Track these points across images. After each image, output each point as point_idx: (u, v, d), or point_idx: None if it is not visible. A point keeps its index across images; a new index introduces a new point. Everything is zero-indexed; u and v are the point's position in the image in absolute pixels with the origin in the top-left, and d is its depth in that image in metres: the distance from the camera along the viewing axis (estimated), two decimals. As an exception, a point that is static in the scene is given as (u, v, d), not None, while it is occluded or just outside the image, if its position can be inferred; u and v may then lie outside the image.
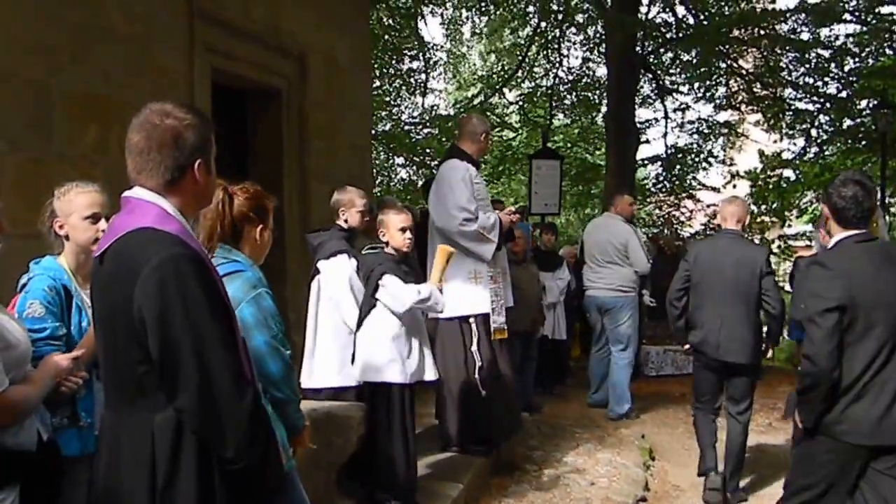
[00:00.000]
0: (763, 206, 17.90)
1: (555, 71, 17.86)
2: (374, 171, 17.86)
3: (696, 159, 18.47)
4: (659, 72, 16.81)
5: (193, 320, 1.95)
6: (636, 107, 15.82)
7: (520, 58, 18.10)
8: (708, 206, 18.00)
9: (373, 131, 14.90)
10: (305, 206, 6.57)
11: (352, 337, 4.55)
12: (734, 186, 18.58)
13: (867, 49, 14.78)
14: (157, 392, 2.01)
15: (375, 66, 15.83)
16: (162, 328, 1.95)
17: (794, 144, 17.70)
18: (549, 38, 17.36)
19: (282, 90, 6.51)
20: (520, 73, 18.22)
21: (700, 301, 5.46)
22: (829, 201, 3.53)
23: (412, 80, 18.23)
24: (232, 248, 2.88)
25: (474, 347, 5.37)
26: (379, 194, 17.03)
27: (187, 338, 1.95)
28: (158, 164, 2.11)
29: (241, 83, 6.26)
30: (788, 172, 17.68)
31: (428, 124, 18.01)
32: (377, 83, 17.07)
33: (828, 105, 15.66)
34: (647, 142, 18.32)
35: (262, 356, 2.73)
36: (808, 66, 15.35)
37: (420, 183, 17.60)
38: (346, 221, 4.84)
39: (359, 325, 4.52)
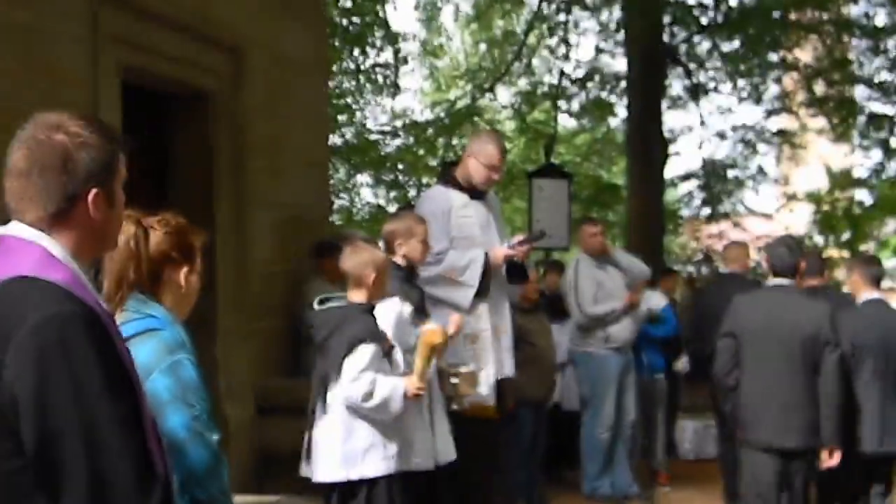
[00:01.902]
0: (831, 238, 18.02)
1: (560, 65, 18.03)
2: (333, 193, 17.88)
3: (742, 177, 18.64)
4: (692, 66, 16.99)
5: (83, 401, 1.89)
6: (664, 110, 15.96)
7: (515, 49, 18.27)
8: (758, 237, 18.12)
9: (330, 143, 14.95)
10: (243, 241, 6.54)
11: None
12: (790, 211, 18.75)
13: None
14: (34, 497, 1.95)
15: (333, 61, 15.89)
16: (40, 411, 1.88)
17: (869, 158, 17.91)
18: (553, 23, 17.54)
19: (212, 93, 6.51)
20: (515, 68, 18.38)
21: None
22: None
23: (379, 78, 18.33)
24: (148, 298, 2.84)
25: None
26: (337, 224, 17.03)
27: (74, 424, 1.87)
28: (41, 191, 2.06)
29: (160, 84, 6.25)
30: (862, 194, 17.81)
31: (399, 133, 18.09)
32: (335, 82, 17.14)
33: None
34: (679, 154, 18.53)
35: (179, 443, 2.67)
36: (884, 58, 15.53)
37: (393, 209, 17.63)
38: (403, 257, 4.99)
39: (320, 401, 4.50)
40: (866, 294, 5.96)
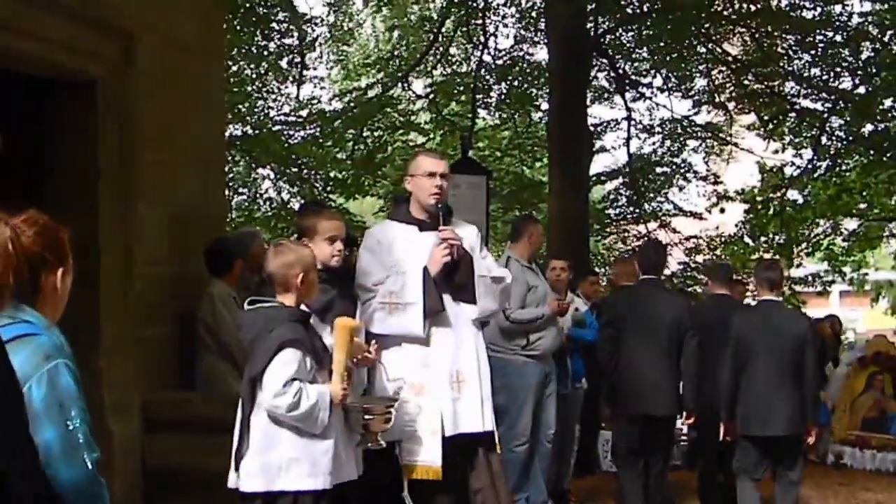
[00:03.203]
0: (762, 239, 18.38)
1: (478, 54, 18.14)
2: (230, 189, 17.75)
3: (671, 174, 18.95)
4: (618, 57, 17.23)
5: None
6: (588, 103, 16.15)
7: (431, 36, 18.34)
8: (688, 237, 18.45)
9: (229, 134, 14.83)
10: (130, 240, 6.47)
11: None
12: (722, 211, 19.13)
13: (890, 32, 15.35)
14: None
15: (232, 46, 15.78)
16: None
17: (800, 156, 18.31)
18: (471, 9, 17.65)
19: (98, 80, 6.43)
20: (431, 57, 18.45)
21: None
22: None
23: (283, 64, 18.25)
24: (21, 302, 2.81)
25: (405, 494, 5.25)
26: (237, 221, 16.92)
27: None
28: None
29: (39, 69, 6.16)
30: (795, 193, 18.18)
31: (305, 123, 18.02)
32: (235, 69, 17.02)
33: (841, 104, 16.21)
34: (605, 150, 18.74)
35: (53, 458, 2.64)
36: (813, 52, 15.90)
37: (298, 205, 17.55)
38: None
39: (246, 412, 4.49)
40: (763, 296, 7.36)
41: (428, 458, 5.22)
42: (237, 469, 4.51)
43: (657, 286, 7.81)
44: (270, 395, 4.33)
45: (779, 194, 18.10)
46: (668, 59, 16.92)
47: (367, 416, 4.67)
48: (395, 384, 5.11)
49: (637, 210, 18.60)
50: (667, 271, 17.71)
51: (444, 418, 5.26)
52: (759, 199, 18.39)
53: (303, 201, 14.94)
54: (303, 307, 4.61)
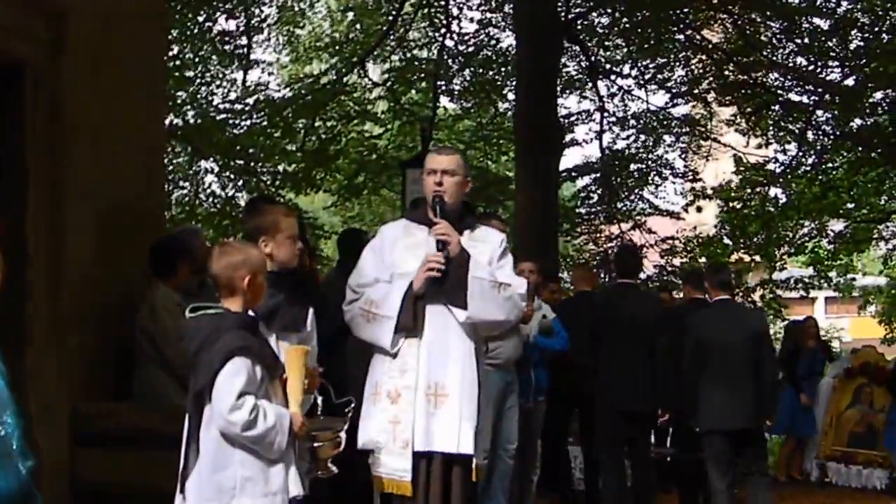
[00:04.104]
0: (741, 240, 18.49)
1: (440, 38, 18.16)
2: (170, 183, 17.66)
3: (646, 170, 19.05)
4: (590, 44, 17.31)
5: None
6: (558, 93, 16.21)
7: (389, 19, 18.34)
8: (662, 239, 18.55)
9: (168, 123, 14.76)
10: (60, 238, 6.44)
11: None
12: (699, 210, 19.27)
13: (879, 20, 15.49)
14: None
15: (174, 28, 15.71)
16: None
17: (784, 152, 18.46)
18: (432, -10, 17.71)
19: (27, 65, 6.40)
20: (388, 42, 18.44)
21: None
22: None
23: (228, 48, 18.18)
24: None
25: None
26: (177, 218, 16.84)
27: None
28: None
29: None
30: (777, 191, 18.31)
31: (252, 112, 17.96)
32: (175, 52, 16.93)
33: (828, 97, 16.35)
34: (577, 143, 18.82)
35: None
36: (799, 41, 16.03)
37: (246, 201, 17.47)
38: (270, 258, 4.88)
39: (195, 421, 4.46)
40: (717, 297, 8.18)
41: (398, 470, 5.24)
42: (182, 490, 4.48)
43: (633, 288, 8.82)
44: (224, 409, 4.27)
45: (759, 192, 18.21)
46: (643, 46, 17.02)
47: (314, 444, 4.63)
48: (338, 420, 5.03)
49: (610, 209, 18.68)
50: (642, 275, 17.92)
51: (416, 432, 5.24)
52: (736, 196, 18.49)
53: (251, 196, 14.85)
54: (251, 312, 4.59)
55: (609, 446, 8.62)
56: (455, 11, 17.99)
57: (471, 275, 5.28)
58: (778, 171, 18.25)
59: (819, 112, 17.01)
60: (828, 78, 16.37)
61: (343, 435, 4.75)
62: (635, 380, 8.26)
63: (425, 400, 5.26)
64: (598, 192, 19.01)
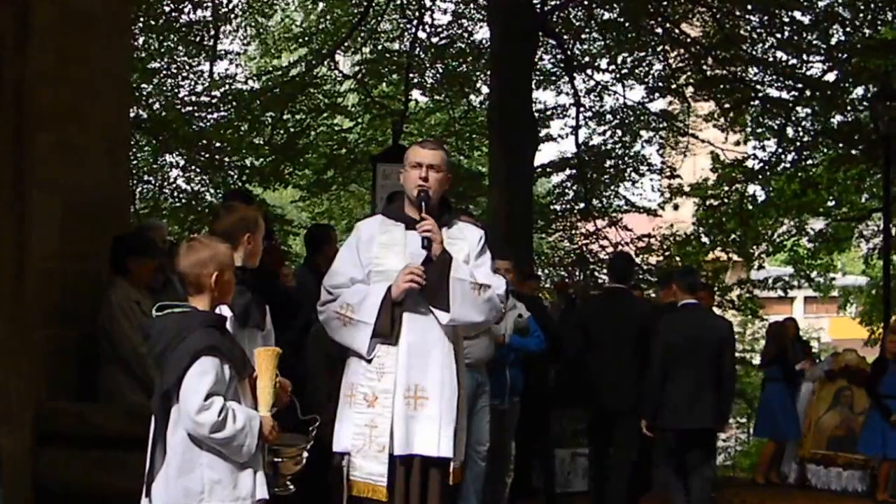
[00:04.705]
0: (718, 238, 18.58)
1: (413, 30, 18.16)
2: (134, 177, 17.61)
3: (622, 166, 19.12)
4: (566, 37, 17.34)
5: None
6: (533, 87, 16.24)
7: (360, 10, 18.33)
8: (639, 237, 18.63)
9: (133, 115, 14.71)
10: (22, 233, 6.43)
11: None
12: (675, 208, 19.36)
13: (861, 14, 15.58)
14: None
15: (139, 18, 15.65)
16: None
17: (763, 149, 18.56)
18: (405, -19, 17.70)
19: (-10, 53, 6.40)
20: (359, 33, 18.44)
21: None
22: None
23: (195, 38, 18.11)
24: None
25: None
26: (142, 214, 16.79)
27: None
28: None
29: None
30: (755, 188, 18.40)
31: (220, 104, 17.92)
32: (140, 43, 16.87)
33: (808, 92, 16.44)
34: (552, 139, 18.87)
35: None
36: (779, 35, 16.11)
37: (212, 198, 17.45)
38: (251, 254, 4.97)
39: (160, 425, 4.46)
40: (684, 300, 8.53)
41: (373, 474, 5.23)
42: (148, 494, 4.47)
43: (625, 294, 9.14)
44: (192, 410, 4.26)
45: (738, 189, 18.29)
46: (621, 40, 17.07)
47: (276, 459, 4.63)
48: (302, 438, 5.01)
49: (585, 205, 18.73)
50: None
51: (395, 435, 5.24)
52: (714, 193, 18.57)
53: (229, 191, 14.73)
54: (220, 310, 4.58)
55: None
56: (428, 3, 17.99)
57: (452, 276, 5.28)
58: (757, 167, 18.34)
59: (799, 108, 17.11)
60: (808, 73, 16.47)
61: (306, 454, 4.76)
62: (618, 381, 8.57)
63: (404, 403, 5.25)
64: (574, 188, 19.05)
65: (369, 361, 5.27)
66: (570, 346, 9.13)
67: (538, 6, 15.56)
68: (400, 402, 5.24)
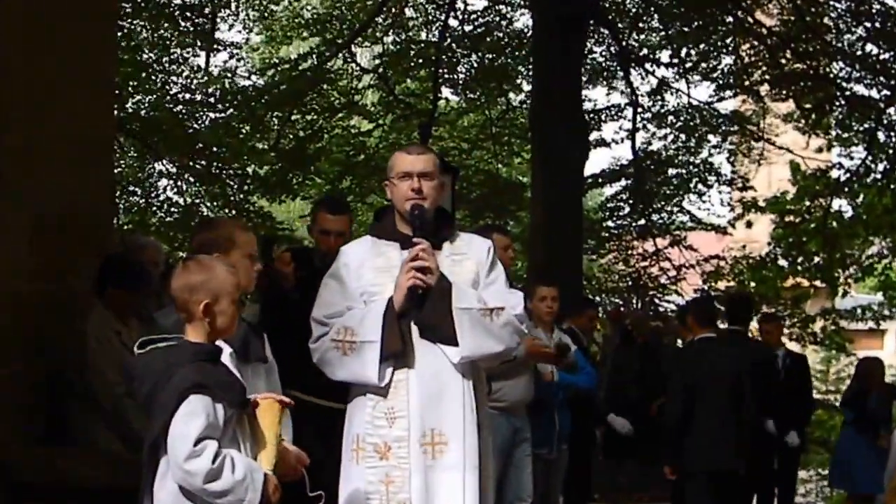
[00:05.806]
0: (798, 260, 18.47)
1: (442, 18, 18.18)
2: (119, 186, 17.66)
3: (687, 176, 19.05)
4: (621, 25, 17.33)
5: None
6: (584, 85, 16.22)
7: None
8: (706, 258, 18.56)
9: (117, 116, 14.76)
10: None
11: None
12: (748, 225, 19.27)
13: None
14: None
15: (127, 4, 15.73)
16: None
17: (850, 157, 18.47)
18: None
19: (-52, 41, 6.43)
20: (380, 21, 18.48)
21: None
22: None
23: (190, 27, 18.19)
24: None
25: None
26: (124, 229, 16.83)
27: None
28: None
29: None
30: (841, 203, 18.30)
31: (217, 103, 17.98)
32: (126, 31, 16.94)
33: (902, 92, 16.36)
34: (605, 144, 18.82)
35: None
36: (868, 25, 16.04)
37: (207, 211, 17.47)
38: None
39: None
40: (700, 333, 8.79)
41: None
42: None
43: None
44: (181, 458, 4.18)
45: (821, 204, 18.20)
46: (684, 30, 17.03)
47: None
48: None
49: (644, 222, 18.69)
50: (679, 300, 17.93)
51: (412, 491, 5.15)
52: (793, 209, 18.48)
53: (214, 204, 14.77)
54: (219, 343, 4.51)
55: None
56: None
57: (455, 307, 5.19)
58: (843, 178, 18.23)
59: (891, 110, 17.03)
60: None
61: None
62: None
63: (420, 451, 5.17)
64: (630, 201, 19.01)
65: (375, 404, 5.15)
66: (672, 414, 8.86)
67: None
68: (416, 450, 5.15)
